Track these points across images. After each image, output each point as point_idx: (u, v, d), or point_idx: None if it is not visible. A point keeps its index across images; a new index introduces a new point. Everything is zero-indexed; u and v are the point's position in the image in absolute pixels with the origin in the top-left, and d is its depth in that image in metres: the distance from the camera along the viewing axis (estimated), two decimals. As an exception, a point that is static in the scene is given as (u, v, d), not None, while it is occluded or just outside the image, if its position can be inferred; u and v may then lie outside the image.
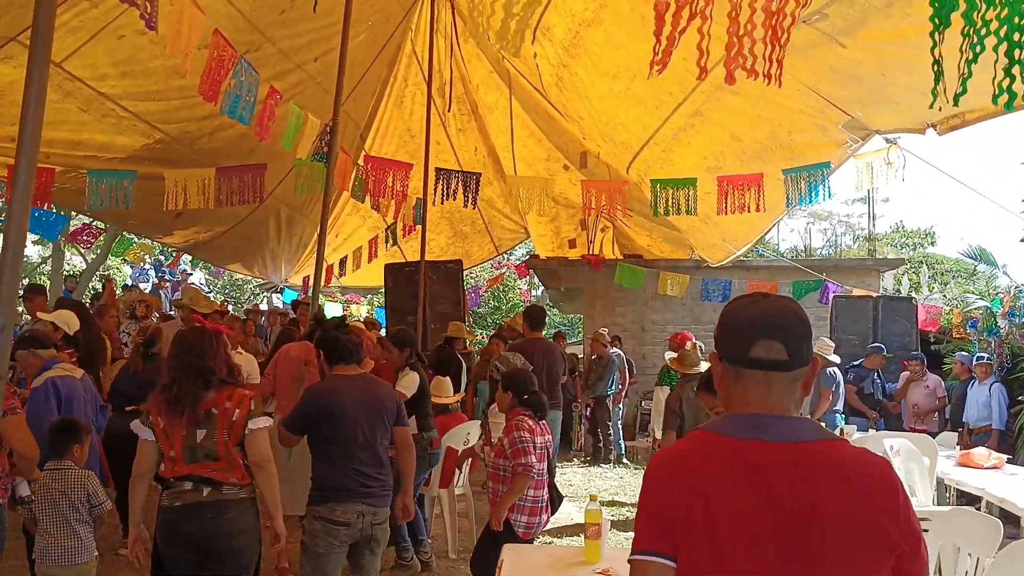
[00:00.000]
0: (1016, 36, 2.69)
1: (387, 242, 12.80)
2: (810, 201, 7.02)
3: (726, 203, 7.41)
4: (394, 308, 10.86)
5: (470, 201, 9.31)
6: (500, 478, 4.37)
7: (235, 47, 5.21)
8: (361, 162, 8.96)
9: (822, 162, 6.94)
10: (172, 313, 10.51)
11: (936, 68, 2.79)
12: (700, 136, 7.63)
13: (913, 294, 17.15)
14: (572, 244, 13.41)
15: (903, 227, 30.86)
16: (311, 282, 15.63)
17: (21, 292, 6.87)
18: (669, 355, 7.30)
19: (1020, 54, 2.68)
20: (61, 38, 6.83)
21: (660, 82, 7.41)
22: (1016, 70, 2.68)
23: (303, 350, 6.09)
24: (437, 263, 11.16)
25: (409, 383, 5.55)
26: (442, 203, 9.72)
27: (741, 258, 12.03)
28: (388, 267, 11.13)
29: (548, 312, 20.38)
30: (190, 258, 16.46)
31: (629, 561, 1.65)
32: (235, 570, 3.45)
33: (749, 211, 7.28)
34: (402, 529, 5.84)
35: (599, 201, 8.47)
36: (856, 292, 11.48)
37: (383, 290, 11.93)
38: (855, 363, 9.25)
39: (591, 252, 12.69)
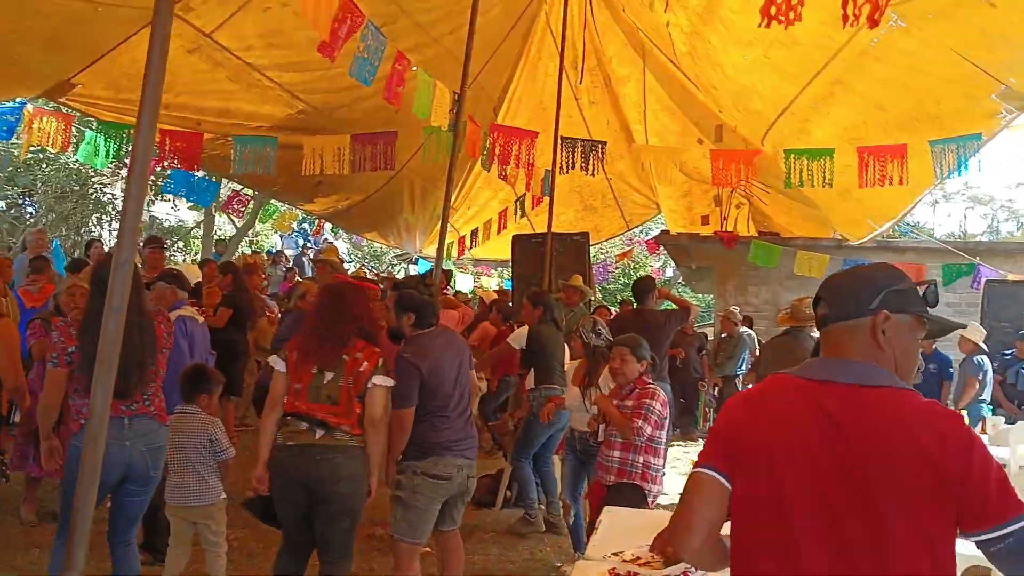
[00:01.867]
0: None
1: (516, 214, 12.90)
2: (959, 174, 6.59)
3: (866, 175, 7.04)
4: (521, 278, 10.96)
5: (597, 169, 9.20)
6: (637, 448, 4.26)
7: (364, 13, 5.34)
8: (488, 131, 9.02)
9: (972, 134, 6.49)
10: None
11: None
12: (841, 106, 7.29)
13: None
14: (705, 220, 13.08)
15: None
16: (444, 253, 16.11)
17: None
18: (781, 313, 7.07)
19: None
20: (211, 10, 7.25)
21: (799, 49, 7.13)
22: None
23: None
24: (564, 235, 11.16)
25: (518, 336, 5.66)
26: (567, 172, 9.65)
27: (887, 239, 11.45)
28: (516, 238, 11.23)
29: (680, 291, 20.07)
30: (331, 227, 17.13)
31: (689, 475, 1.79)
32: (340, 513, 3.58)
33: (892, 184, 6.90)
34: (531, 487, 5.93)
35: (728, 171, 8.22)
36: (1012, 277, 10.70)
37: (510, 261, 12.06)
38: (1006, 352, 8.65)
39: (724, 229, 12.36)
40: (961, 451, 1.56)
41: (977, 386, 7.67)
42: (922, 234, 18.39)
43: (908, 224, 23.79)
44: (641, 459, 4.25)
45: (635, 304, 7.39)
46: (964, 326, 7.54)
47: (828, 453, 1.61)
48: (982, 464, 1.56)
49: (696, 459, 1.81)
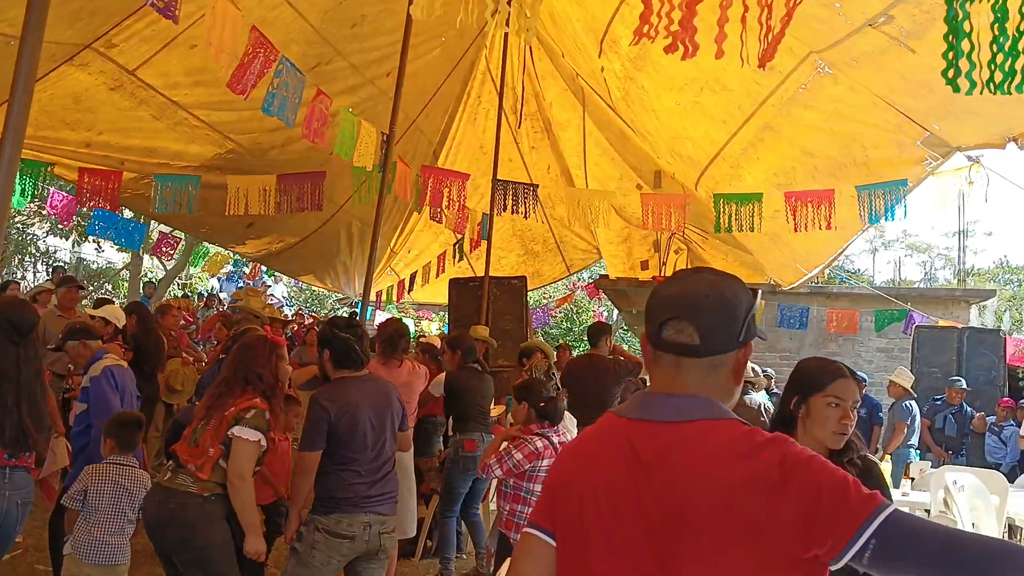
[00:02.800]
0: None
1: (455, 257, 12.79)
2: (886, 219, 6.65)
3: (795, 220, 7.09)
4: (457, 322, 10.78)
5: (531, 212, 9.16)
6: (507, 495, 4.32)
7: (277, 49, 5.22)
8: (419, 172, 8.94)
9: (899, 179, 6.57)
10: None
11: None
12: (770, 151, 7.35)
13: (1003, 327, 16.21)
14: (644, 266, 13.12)
15: (1008, 263, 29.35)
16: (383, 296, 15.92)
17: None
18: None
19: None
20: (134, 47, 7.07)
21: (728, 95, 7.20)
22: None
23: None
24: (501, 279, 11.05)
25: (436, 383, 5.54)
26: (500, 214, 9.60)
27: (821, 284, 11.58)
28: (452, 281, 11.08)
29: (622, 335, 20.06)
30: (266, 270, 16.86)
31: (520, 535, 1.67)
32: (188, 566, 3.44)
33: (820, 228, 6.95)
34: (451, 543, 5.73)
35: (659, 216, 8.23)
36: (942, 323, 10.88)
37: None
38: (936, 397, 8.73)
39: (662, 274, 12.39)
40: (773, 481, 1.34)
41: (906, 431, 7.69)
42: (857, 281, 18.74)
43: (844, 270, 24.30)
44: (507, 507, 4.31)
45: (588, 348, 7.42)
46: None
47: (632, 498, 1.45)
48: (804, 487, 1.33)
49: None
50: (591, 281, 17.02)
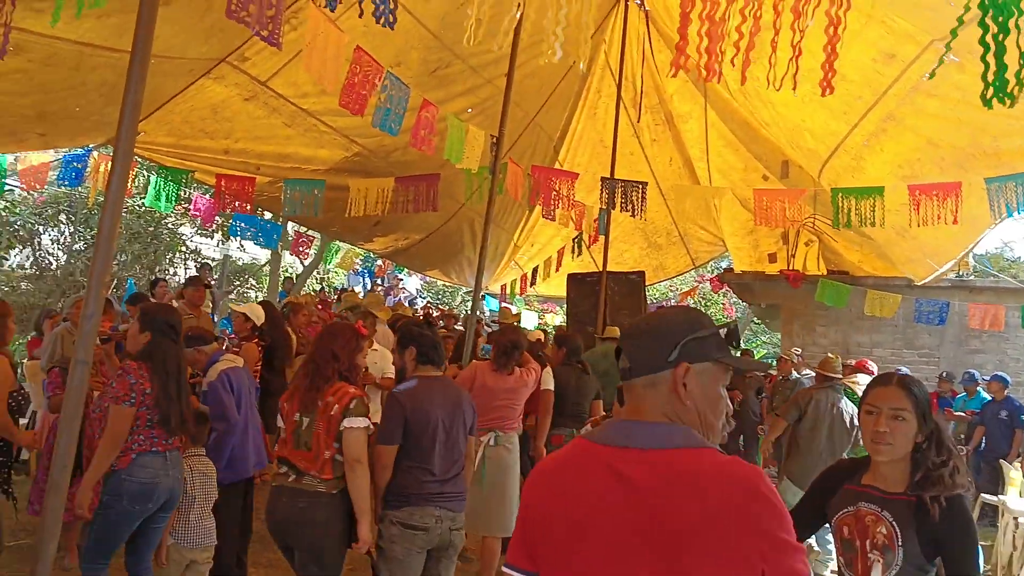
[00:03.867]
0: None
1: (573, 252, 12.86)
2: (1020, 212, 6.24)
3: (919, 214, 6.76)
4: (575, 317, 10.88)
5: (638, 211, 9.12)
6: None
7: (381, 65, 5.45)
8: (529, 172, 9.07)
9: (1033, 170, 6.17)
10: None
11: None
12: (894, 142, 7.04)
13: None
14: (772, 258, 12.76)
15: None
16: (507, 290, 16.18)
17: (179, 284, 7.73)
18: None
19: None
20: (265, 59, 7.51)
21: (848, 85, 6.94)
22: None
23: None
24: (619, 274, 11.04)
25: (546, 378, 5.65)
26: (607, 212, 9.60)
27: (963, 277, 10.96)
28: (571, 276, 11.17)
29: (755, 328, 19.54)
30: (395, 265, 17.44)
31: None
32: (306, 559, 3.62)
33: (945, 223, 6.60)
34: None
35: (772, 211, 8.02)
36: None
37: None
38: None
39: (791, 267, 12.03)
40: (753, 511, 1.44)
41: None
42: (1007, 273, 17.51)
43: (1003, 259, 22.70)
44: None
45: None
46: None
47: (624, 524, 1.49)
48: (762, 531, 1.44)
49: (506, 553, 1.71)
50: (716, 274, 16.70)
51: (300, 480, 3.62)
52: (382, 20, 3.45)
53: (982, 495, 8.29)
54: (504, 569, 1.67)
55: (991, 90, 2.69)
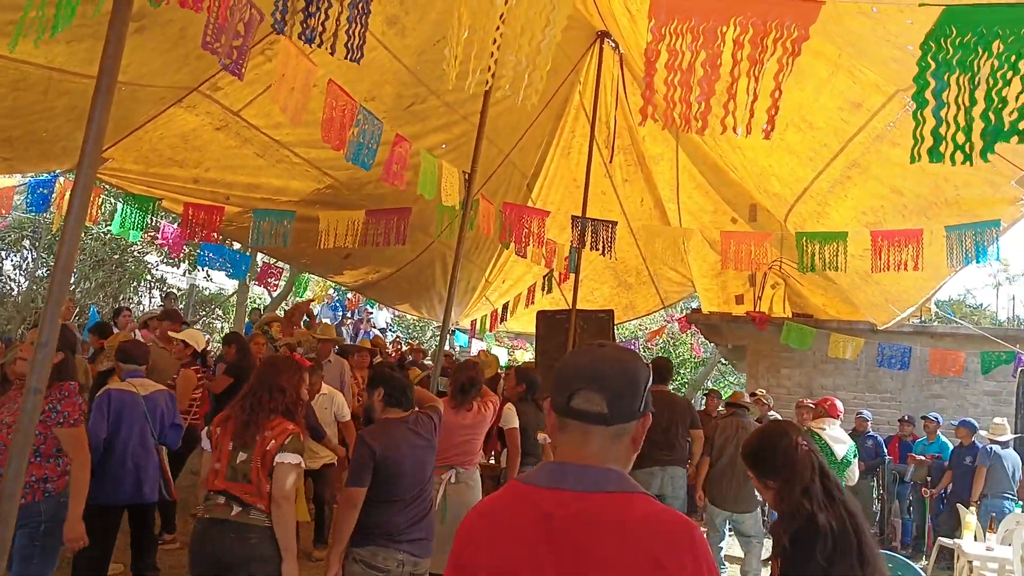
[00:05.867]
0: None
1: (544, 289, 12.91)
2: (977, 261, 6.38)
3: (880, 260, 6.88)
4: (544, 353, 10.89)
5: (606, 249, 9.20)
6: None
7: (355, 99, 5.47)
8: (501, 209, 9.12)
9: (992, 220, 6.30)
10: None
11: None
12: (858, 189, 7.16)
13: None
14: (739, 300, 12.91)
15: None
16: (478, 325, 16.17)
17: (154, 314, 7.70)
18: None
19: None
20: (238, 89, 7.49)
21: (814, 132, 7.08)
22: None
23: None
24: (588, 312, 11.09)
25: (507, 416, 5.67)
26: (578, 250, 9.67)
27: (924, 323, 11.13)
28: (540, 313, 11.19)
29: (722, 369, 19.65)
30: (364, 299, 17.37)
31: None
32: None
33: (906, 269, 6.72)
34: None
35: (739, 254, 8.12)
36: (1054, 367, 10.26)
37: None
38: (1043, 445, 8.26)
39: (757, 309, 12.16)
40: (676, 564, 1.43)
41: (986, 476, 7.40)
42: (969, 318, 17.81)
43: (965, 305, 23.11)
44: None
45: (655, 384, 7.40)
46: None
47: (546, 567, 1.47)
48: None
49: None
50: (685, 314, 16.83)
51: (247, 514, 3.54)
52: (350, 55, 3.47)
53: (940, 538, 8.36)
54: None
55: (922, 145, 2.77)
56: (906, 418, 10.96)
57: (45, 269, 15.55)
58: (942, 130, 2.72)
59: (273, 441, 3.57)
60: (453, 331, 17.36)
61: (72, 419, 3.77)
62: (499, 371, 8.95)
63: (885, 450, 10.52)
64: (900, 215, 6.99)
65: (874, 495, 10.61)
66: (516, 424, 5.99)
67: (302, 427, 3.82)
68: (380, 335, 16.75)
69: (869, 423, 10.54)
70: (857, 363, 11.47)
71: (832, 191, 7.30)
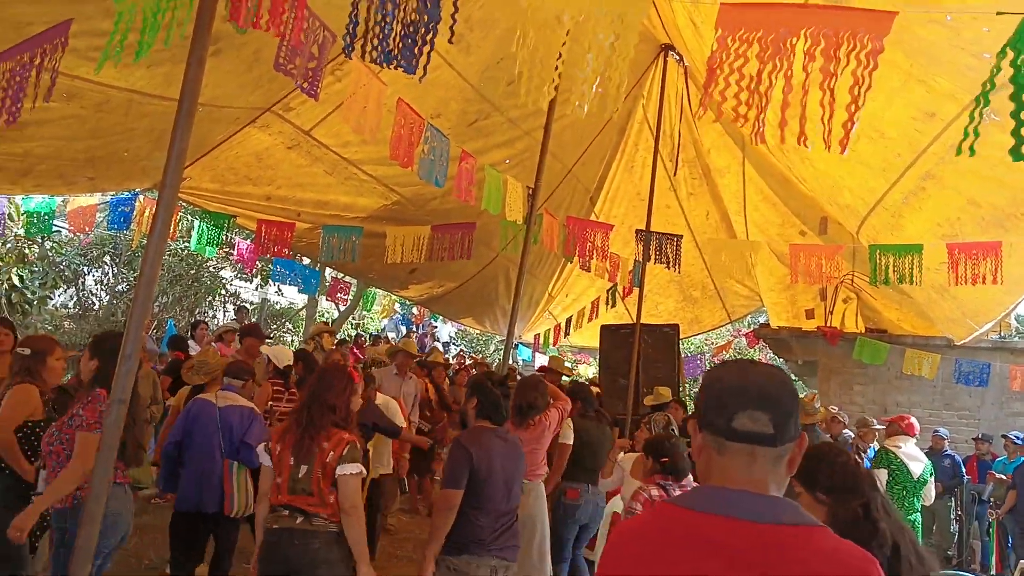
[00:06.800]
0: None
1: (608, 303, 12.85)
2: (1062, 274, 6.15)
3: (957, 273, 6.68)
4: (607, 368, 10.83)
5: (672, 264, 9.12)
6: None
7: (423, 117, 5.56)
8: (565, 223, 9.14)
9: (1076, 232, 6.08)
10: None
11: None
12: (933, 201, 6.97)
13: None
14: (810, 315, 12.63)
15: None
16: (541, 340, 16.17)
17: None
18: None
19: None
20: (309, 109, 7.69)
21: (886, 143, 6.93)
22: None
23: None
24: (653, 326, 10.99)
25: (566, 432, 5.67)
26: (642, 264, 9.60)
27: (1004, 338, 10.75)
28: (604, 328, 11.14)
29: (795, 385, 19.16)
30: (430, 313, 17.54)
31: None
32: None
33: (984, 282, 6.50)
34: None
35: (808, 267, 7.96)
36: None
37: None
38: None
39: (828, 324, 11.89)
40: None
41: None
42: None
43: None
44: None
45: None
46: None
47: None
48: None
49: None
50: (752, 329, 16.55)
51: (310, 522, 3.64)
52: (414, 71, 3.53)
53: (1021, 561, 8.06)
54: None
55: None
56: (981, 436, 10.59)
57: (125, 284, 16.11)
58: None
59: (332, 452, 3.66)
60: (516, 345, 17.40)
61: (87, 423, 3.82)
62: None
63: (964, 469, 10.18)
64: (978, 227, 6.79)
65: (952, 516, 10.27)
66: (570, 440, 6.01)
67: (356, 435, 3.90)
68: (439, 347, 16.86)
69: (947, 442, 10.20)
70: (933, 380, 11.10)
71: (906, 202, 7.12)
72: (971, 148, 2.90)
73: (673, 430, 5.60)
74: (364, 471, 3.79)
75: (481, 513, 3.91)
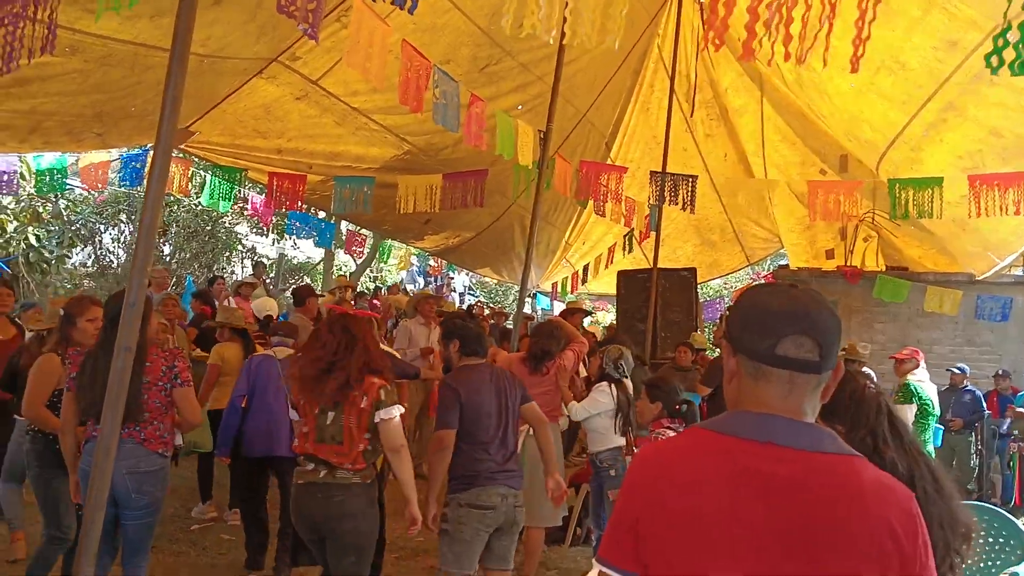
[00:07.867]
0: None
1: (625, 249, 12.76)
2: (1088, 205, 6.01)
3: (980, 205, 6.55)
4: (625, 313, 10.79)
5: (687, 205, 9.00)
6: None
7: (428, 60, 5.45)
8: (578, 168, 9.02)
9: (1102, 160, 5.93)
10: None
11: None
12: (954, 133, 6.83)
13: None
14: (830, 255, 12.48)
15: None
16: (559, 288, 16.14)
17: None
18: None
19: None
20: (316, 58, 7.58)
21: (907, 74, 6.76)
22: None
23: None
24: (670, 270, 10.91)
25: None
26: (658, 207, 9.50)
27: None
28: (621, 273, 11.08)
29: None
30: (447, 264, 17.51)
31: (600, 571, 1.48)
32: (344, 550, 3.64)
33: (1007, 214, 6.38)
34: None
35: (827, 205, 7.83)
36: None
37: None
38: None
39: (848, 263, 11.75)
40: (917, 531, 1.36)
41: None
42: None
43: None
44: None
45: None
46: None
47: (762, 529, 1.35)
48: (922, 550, 1.36)
49: (600, 547, 1.50)
50: (771, 271, 16.42)
51: (333, 474, 3.61)
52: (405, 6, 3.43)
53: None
54: (602, 569, 1.48)
55: None
56: (1001, 372, 10.48)
57: (142, 242, 16.15)
58: None
59: (365, 398, 3.59)
60: (534, 294, 17.37)
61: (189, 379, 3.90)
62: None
63: (984, 405, 10.09)
64: (1000, 158, 6.64)
65: (972, 451, 10.22)
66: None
67: (389, 378, 3.81)
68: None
69: (967, 377, 10.10)
70: (954, 316, 10.98)
71: (927, 135, 6.98)
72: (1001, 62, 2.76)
73: (623, 364, 5.62)
74: (402, 408, 3.77)
75: (480, 448, 3.98)
